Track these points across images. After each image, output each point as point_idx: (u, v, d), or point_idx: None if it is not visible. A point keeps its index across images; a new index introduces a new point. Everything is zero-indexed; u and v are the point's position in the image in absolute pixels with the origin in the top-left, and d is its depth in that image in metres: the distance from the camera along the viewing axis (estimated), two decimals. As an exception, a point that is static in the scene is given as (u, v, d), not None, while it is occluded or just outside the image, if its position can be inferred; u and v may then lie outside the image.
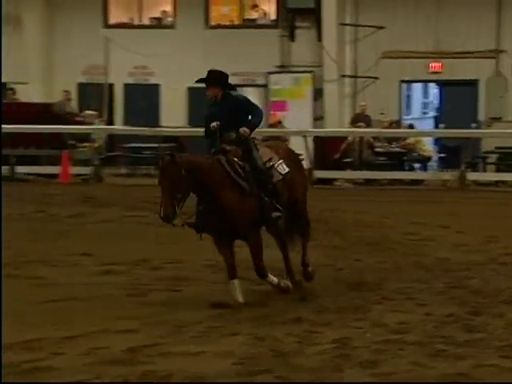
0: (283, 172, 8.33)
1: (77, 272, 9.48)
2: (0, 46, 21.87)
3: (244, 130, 8.10)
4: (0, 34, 22.45)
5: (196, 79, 8.46)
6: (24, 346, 6.53)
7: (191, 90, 23.58)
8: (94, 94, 23.07)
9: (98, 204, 15.53)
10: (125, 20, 24.58)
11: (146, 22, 24.54)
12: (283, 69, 23.66)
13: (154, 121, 23.01)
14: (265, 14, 24.18)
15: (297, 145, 21.07)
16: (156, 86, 23.73)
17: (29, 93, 23.09)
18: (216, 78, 8.22)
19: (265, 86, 23.75)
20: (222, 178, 7.90)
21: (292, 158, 8.66)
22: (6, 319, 7.29)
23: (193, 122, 22.53)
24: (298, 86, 23.41)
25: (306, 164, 20.51)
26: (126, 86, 23.88)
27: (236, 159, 8.04)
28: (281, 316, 7.58)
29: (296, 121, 22.07)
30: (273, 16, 24.06)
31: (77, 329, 7.01)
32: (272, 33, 23.55)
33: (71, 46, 24.01)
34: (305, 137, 20.33)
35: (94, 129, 21.42)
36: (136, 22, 24.52)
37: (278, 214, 8.18)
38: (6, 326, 7.05)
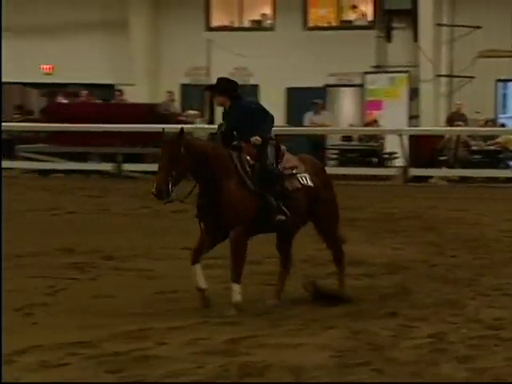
0: (303, 182, 7.82)
1: (180, 265, 9.58)
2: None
3: (256, 138, 7.65)
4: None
5: (206, 86, 8.15)
6: (132, 335, 6.66)
7: (289, 90, 23.66)
8: (196, 95, 23.32)
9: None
10: (226, 23, 24.77)
11: (246, 24, 24.68)
12: (379, 69, 23.47)
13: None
14: (363, 14, 24.05)
15: (392, 143, 20.98)
16: (255, 87, 23.83)
17: (135, 94, 23.49)
18: (221, 87, 7.84)
19: (361, 85, 23.61)
20: (228, 170, 7.48)
21: (320, 175, 8.05)
22: (115, 309, 7.45)
23: (291, 121, 22.59)
24: (394, 85, 23.19)
25: (401, 162, 20.40)
26: (227, 86, 24.08)
27: (248, 157, 7.60)
28: (376, 311, 7.52)
29: (392, 120, 21.89)
30: (370, 17, 23.91)
31: (180, 320, 7.11)
32: (369, 34, 23.38)
33: (175, 49, 24.33)
34: (400, 135, 20.15)
35: (195, 128, 21.66)
36: (236, 25, 24.69)
37: (282, 217, 7.62)
38: (114, 317, 7.20)
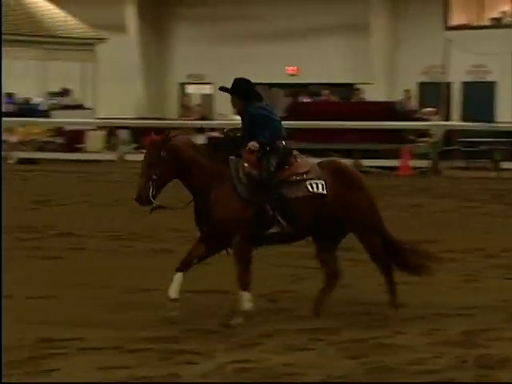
0: (312, 190, 6.92)
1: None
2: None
3: (252, 144, 6.92)
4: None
5: (220, 86, 7.22)
6: (370, 323, 6.67)
7: (527, 86, 22.79)
8: (433, 93, 22.97)
9: (435, 195, 15.43)
10: (464, 22, 24.28)
11: (485, 22, 24.06)
12: None
13: (490, 117, 22.44)
14: None
15: None
16: (492, 84, 23.15)
17: (374, 92, 23.53)
18: (235, 89, 7.11)
19: None
20: (220, 177, 6.84)
21: (343, 179, 7.05)
22: (351, 299, 7.46)
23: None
24: None
25: None
26: (464, 84, 23.55)
27: (246, 164, 6.88)
28: None
29: None
30: None
31: (416, 310, 7.03)
32: None
33: (412, 49, 24.20)
34: None
35: (431, 125, 21.33)
36: (475, 23, 24.12)
37: (275, 230, 6.86)
38: (351, 305, 7.22)
